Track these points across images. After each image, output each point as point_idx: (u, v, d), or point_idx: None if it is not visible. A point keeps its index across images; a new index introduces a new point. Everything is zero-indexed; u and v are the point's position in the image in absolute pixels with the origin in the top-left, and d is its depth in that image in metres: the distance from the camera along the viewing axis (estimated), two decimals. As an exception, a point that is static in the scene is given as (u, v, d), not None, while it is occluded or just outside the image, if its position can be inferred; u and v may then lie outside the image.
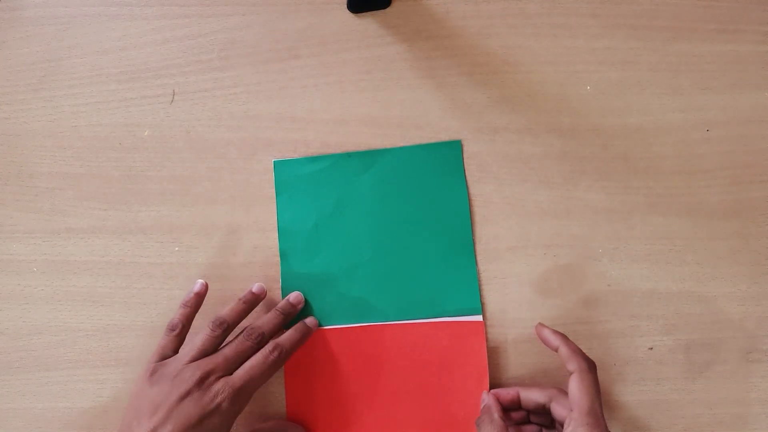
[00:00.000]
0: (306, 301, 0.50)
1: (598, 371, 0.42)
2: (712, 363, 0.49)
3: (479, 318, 0.49)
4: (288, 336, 0.47)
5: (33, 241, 0.52)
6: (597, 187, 0.50)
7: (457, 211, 0.50)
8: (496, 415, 0.44)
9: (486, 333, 0.49)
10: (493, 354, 0.49)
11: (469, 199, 0.50)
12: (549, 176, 0.50)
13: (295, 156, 0.51)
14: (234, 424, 0.43)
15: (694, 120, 0.51)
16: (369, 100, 0.52)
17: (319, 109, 0.52)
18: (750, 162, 0.50)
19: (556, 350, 0.44)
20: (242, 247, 0.51)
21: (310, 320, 0.49)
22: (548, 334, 0.45)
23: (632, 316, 0.49)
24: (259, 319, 0.47)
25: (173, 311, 0.47)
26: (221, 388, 0.42)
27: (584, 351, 0.43)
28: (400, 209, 0.50)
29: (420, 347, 0.49)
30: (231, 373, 0.44)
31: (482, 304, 0.49)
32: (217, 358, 0.44)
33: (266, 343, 0.46)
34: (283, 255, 0.50)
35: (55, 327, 0.51)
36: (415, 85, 0.52)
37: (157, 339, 0.46)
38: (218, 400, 0.42)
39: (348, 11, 0.52)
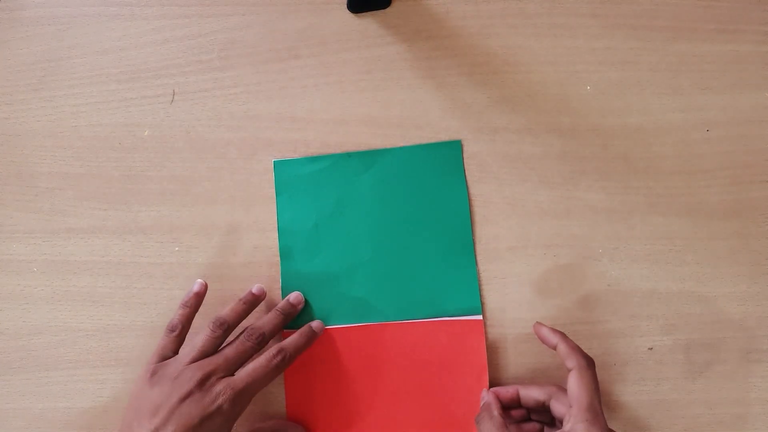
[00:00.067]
0: (306, 301, 0.50)
1: (597, 371, 0.42)
2: (712, 363, 0.49)
3: (479, 318, 0.49)
4: (293, 340, 0.47)
5: (33, 241, 0.52)
6: (597, 187, 0.50)
7: (457, 211, 0.50)
8: (496, 412, 0.44)
9: (486, 333, 0.49)
10: (493, 354, 0.49)
11: (469, 199, 0.50)
12: (549, 176, 0.50)
13: (295, 156, 0.51)
14: (234, 425, 0.43)
15: (694, 120, 0.51)
16: (369, 100, 0.52)
17: (319, 109, 0.52)
18: (750, 162, 0.50)
19: (555, 348, 0.44)
20: (242, 247, 0.51)
21: (316, 324, 0.49)
22: (547, 332, 0.45)
23: (632, 316, 0.49)
24: (260, 319, 0.47)
25: (173, 311, 0.47)
26: (222, 390, 0.42)
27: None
28: (400, 209, 0.50)
29: (420, 346, 0.49)
30: (232, 374, 0.44)
31: (482, 303, 0.49)
32: (217, 359, 0.44)
33: (266, 343, 0.46)
34: (283, 255, 0.50)
35: (55, 327, 0.51)
36: (415, 85, 0.52)
37: (157, 339, 0.46)
38: (219, 401, 0.42)
39: (348, 11, 0.52)
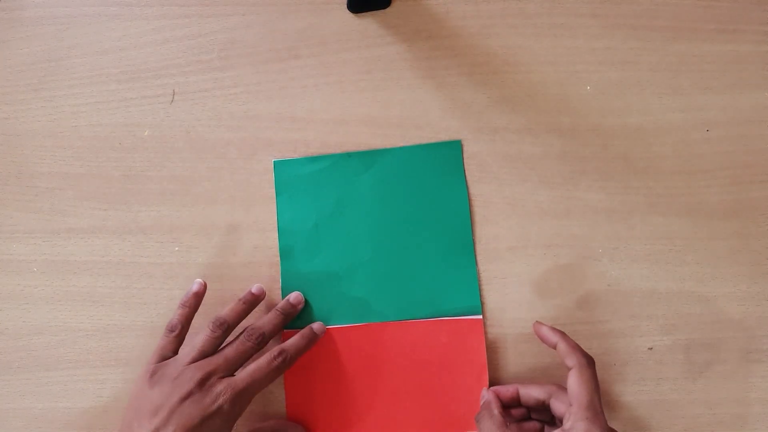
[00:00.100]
0: (306, 301, 0.50)
1: (598, 371, 0.42)
2: (712, 363, 0.49)
3: (479, 317, 0.49)
4: (294, 342, 0.47)
5: (33, 241, 0.52)
6: (597, 187, 0.50)
7: (457, 211, 0.50)
8: (496, 410, 0.44)
9: (486, 333, 0.49)
10: (493, 354, 0.49)
11: (469, 199, 0.50)
12: (549, 176, 0.50)
13: (295, 156, 0.51)
14: (234, 425, 0.43)
15: (694, 120, 0.51)
16: (369, 100, 0.52)
17: (319, 109, 0.52)
18: (750, 162, 0.50)
19: (555, 347, 0.44)
20: (242, 247, 0.51)
21: (317, 326, 0.49)
22: (546, 332, 0.45)
23: (632, 316, 0.49)
24: (260, 319, 0.47)
25: (173, 311, 0.47)
26: (223, 390, 0.42)
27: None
28: (400, 209, 0.50)
29: (420, 346, 0.49)
30: (232, 374, 0.44)
31: (482, 303, 0.49)
32: (217, 359, 0.44)
33: (266, 343, 0.46)
34: (283, 255, 0.50)
35: (55, 327, 0.51)
36: (415, 85, 0.52)
37: (157, 339, 0.46)
38: (220, 401, 0.42)
39: (348, 11, 0.52)
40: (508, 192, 0.50)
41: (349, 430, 0.48)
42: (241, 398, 0.43)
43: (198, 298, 0.47)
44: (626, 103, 0.51)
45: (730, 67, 0.51)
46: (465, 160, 0.51)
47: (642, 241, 0.50)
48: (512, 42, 0.52)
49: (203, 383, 0.42)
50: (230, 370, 0.44)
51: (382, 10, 0.52)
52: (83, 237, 0.51)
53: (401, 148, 0.51)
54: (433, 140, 0.51)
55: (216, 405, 0.42)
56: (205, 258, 0.51)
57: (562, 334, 0.44)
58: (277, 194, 0.51)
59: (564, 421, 0.41)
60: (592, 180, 0.50)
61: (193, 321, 0.47)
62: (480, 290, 0.49)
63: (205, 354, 0.44)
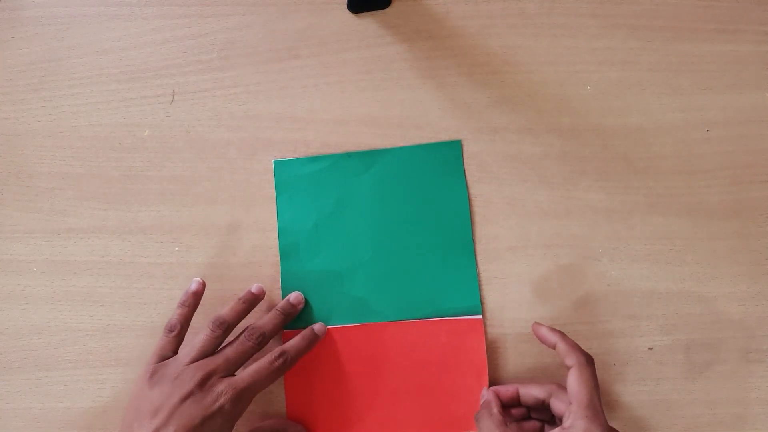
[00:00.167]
0: (306, 301, 0.50)
1: (597, 371, 0.42)
2: (712, 363, 0.49)
3: (479, 317, 0.49)
4: (295, 343, 0.47)
5: (33, 241, 0.52)
6: (597, 187, 0.50)
7: (457, 211, 0.50)
8: (495, 409, 0.44)
9: (486, 332, 0.49)
10: (493, 354, 0.49)
11: (469, 199, 0.50)
12: (549, 176, 0.50)
13: (295, 156, 0.51)
14: (234, 425, 0.43)
15: (694, 120, 0.51)
16: (369, 100, 0.52)
17: (319, 109, 0.52)
18: (750, 162, 0.50)
19: (554, 347, 0.44)
20: (242, 247, 0.51)
21: (318, 327, 0.49)
22: (545, 332, 0.45)
23: (632, 316, 0.49)
24: (260, 319, 0.47)
25: (173, 311, 0.47)
26: (224, 390, 0.42)
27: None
28: (400, 209, 0.50)
29: (419, 346, 0.49)
30: (232, 374, 0.44)
31: (482, 303, 0.49)
32: (218, 359, 0.44)
33: (267, 343, 0.46)
34: (283, 255, 0.50)
35: (55, 327, 0.51)
36: (415, 85, 0.52)
37: (157, 339, 0.46)
38: (221, 401, 0.42)
39: (348, 11, 0.52)
40: (508, 192, 0.50)
41: (349, 430, 0.48)
42: (242, 398, 0.43)
43: (197, 297, 0.47)
44: (626, 103, 0.51)
45: (730, 67, 0.51)
46: (465, 160, 0.51)
47: (642, 241, 0.50)
48: (512, 42, 0.52)
49: (204, 383, 0.42)
50: (231, 369, 0.44)
51: (382, 10, 0.52)
52: (83, 237, 0.51)
53: (401, 148, 0.51)
54: (433, 140, 0.51)
55: (217, 405, 0.42)
56: (205, 258, 0.51)
57: (561, 334, 0.44)
58: (277, 194, 0.51)
59: (564, 420, 0.41)
60: (592, 180, 0.50)
61: (192, 321, 0.47)
62: (480, 290, 0.49)
63: (205, 354, 0.44)
